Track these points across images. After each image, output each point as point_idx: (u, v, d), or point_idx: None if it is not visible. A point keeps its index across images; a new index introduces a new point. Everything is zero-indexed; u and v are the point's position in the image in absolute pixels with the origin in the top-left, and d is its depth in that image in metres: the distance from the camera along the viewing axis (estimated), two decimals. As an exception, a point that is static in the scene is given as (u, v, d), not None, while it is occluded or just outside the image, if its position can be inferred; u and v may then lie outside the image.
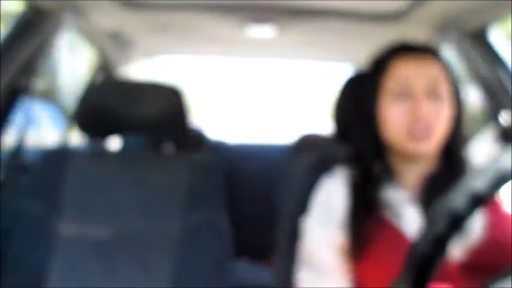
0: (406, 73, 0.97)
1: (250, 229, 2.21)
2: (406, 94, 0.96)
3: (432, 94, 0.95)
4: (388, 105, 0.98)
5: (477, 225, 0.95)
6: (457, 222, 0.50)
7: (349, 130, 1.16)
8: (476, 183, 0.49)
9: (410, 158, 0.98)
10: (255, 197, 2.36)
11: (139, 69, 2.68)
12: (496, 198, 1.00)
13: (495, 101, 1.62)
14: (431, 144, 0.96)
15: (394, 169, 1.01)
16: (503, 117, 1.60)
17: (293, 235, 1.08)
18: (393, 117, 0.97)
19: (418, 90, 0.95)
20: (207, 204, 1.27)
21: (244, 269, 2.17)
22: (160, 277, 1.20)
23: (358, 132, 1.04)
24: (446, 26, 1.67)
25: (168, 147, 1.42)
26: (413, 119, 0.94)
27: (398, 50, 1.01)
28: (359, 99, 1.04)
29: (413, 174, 1.01)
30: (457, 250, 0.93)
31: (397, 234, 0.95)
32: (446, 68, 0.99)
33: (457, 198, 0.50)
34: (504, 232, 0.96)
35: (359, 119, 1.03)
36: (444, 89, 0.97)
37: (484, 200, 0.50)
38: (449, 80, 0.99)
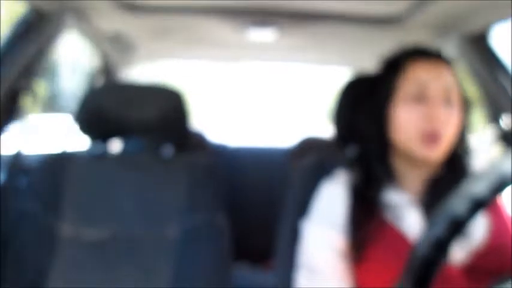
0: (423, 77, 0.97)
1: (250, 232, 2.20)
2: (422, 98, 0.96)
3: (446, 100, 0.96)
4: (403, 108, 0.98)
5: (480, 229, 0.96)
6: (457, 227, 0.50)
7: (351, 132, 1.16)
8: (476, 187, 0.49)
9: (417, 161, 0.98)
10: (255, 200, 2.36)
11: (141, 72, 2.68)
12: (498, 202, 1.00)
13: (495, 104, 1.62)
14: (441, 149, 0.96)
15: (397, 172, 1.01)
16: (504, 121, 1.60)
17: (293, 238, 1.08)
18: (408, 120, 0.97)
19: (435, 94, 0.96)
20: (207, 207, 1.27)
21: (244, 273, 2.17)
22: (160, 280, 1.20)
23: (364, 134, 1.04)
24: (446, 30, 1.67)
25: (169, 150, 1.42)
26: (428, 123, 0.94)
27: (414, 53, 1.01)
28: (367, 100, 1.04)
29: (416, 178, 1.01)
30: (460, 253, 0.93)
31: (398, 237, 0.95)
32: (457, 75, 1.00)
33: (458, 202, 0.50)
34: (507, 236, 0.97)
35: (367, 120, 1.03)
36: (456, 96, 0.98)
37: (484, 204, 0.50)
38: (459, 88, 0.99)
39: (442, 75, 0.98)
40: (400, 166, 1.01)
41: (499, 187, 0.49)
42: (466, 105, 1.00)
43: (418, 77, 0.97)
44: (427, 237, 0.52)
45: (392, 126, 0.99)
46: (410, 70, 0.99)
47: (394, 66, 1.02)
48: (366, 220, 0.97)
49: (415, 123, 0.96)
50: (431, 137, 0.94)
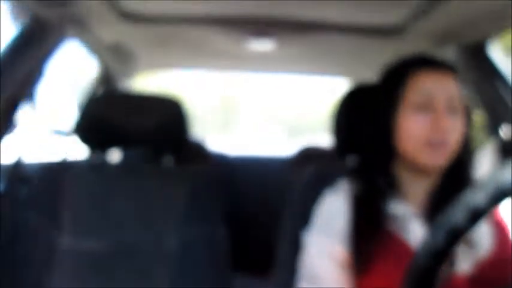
0: (428, 86, 0.97)
1: (250, 242, 2.20)
2: (427, 107, 0.96)
3: (451, 109, 0.96)
4: (409, 117, 0.97)
5: (486, 239, 0.96)
6: (456, 237, 0.51)
7: (351, 142, 1.16)
8: (476, 197, 0.50)
9: (420, 171, 0.98)
10: (255, 209, 2.36)
11: (140, 83, 2.69)
12: (498, 213, 1.00)
13: (495, 114, 1.62)
14: (445, 157, 0.96)
15: (400, 183, 1.01)
16: (503, 131, 1.60)
17: (294, 248, 1.08)
18: (413, 129, 0.96)
19: (440, 103, 0.96)
20: (207, 217, 1.27)
21: (244, 283, 2.16)
22: None
23: (367, 144, 1.04)
24: (446, 40, 1.67)
25: (168, 160, 1.42)
26: (434, 131, 0.95)
27: (418, 62, 1.01)
28: (370, 110, 1.04)
29: (419, 189, 1.01)
30: (466, 264, 0.93)
31: (402, 249, 0.95)
32: (460, 85, 1.00)
33: (457, 212, 0.50)
34: (509, 247, 0.96)
35: (370, 130, 1.03)
36: (460, 104, 0.98)
37: (483, 214, 0.50)
38: (462, 97, 0.99)
39: (447, 84, 0.98)
40: (403, 177, 1.01)
41: (498, 197, 0.49)
42: (467, 113, 1.00)
43: (423, 86, 0.98)
44: (426, 246, 0.53)
45: (397, 136, 0.99)
46: (415, 79, 0.99)
47: (398, 75, 1.02)
48: (369, 232, 0.96)
49: (422, 132, 0.95)
50: (438, 146, 0.94)
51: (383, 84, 1.05)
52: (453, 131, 0.96)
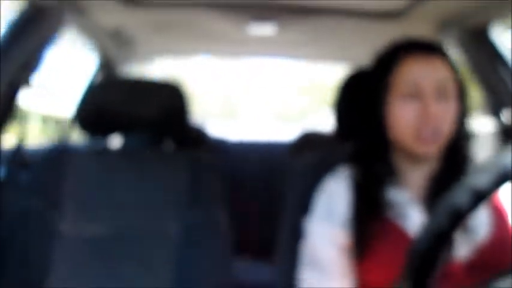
0: (415, 73, 0.95)
1: (250, 227, 2.21)
2: (415, 94, 0.94)
3: (441, 94, 0.94)
4: (397, 105, 0.96)
5: (484, 225, 0.95)
6: (458, 218, 0.50)
7: (351, 128, 1.16)
8: (479, 179, 0.49)
9: (416, 158, 0.97)
10: (256, 195, 2.36)
11: (141, 69, 2.68)
12: (496, 198, 1.00)
13: (496, 98, 1.62)
14: (437, 145, 0.95)
15: (398, 169, 1.00)
16: (504, 115, 1.60)
17: (295, 233, 1.08)
18: (401, 118, 0.95)
19: (427, 90, 0.94)
20: (208, 202, 1.27)
21: (245, 268, 2.17)
22: (160, 276, 1.20)
23: (362, 131, 1.03)
24: (448, 24, 1.66)
25: (169, 145, 1.42)
26: (422, 121, 0.93)
27: (406, 48, 0.99)
28: (364, 97, 1.03)
29: (417, 175, 1.00)
30: (464, 250, 0.93)
31: (401, 235, 0.95)
32: (454, 66, 0.98)
33: (460, 194, 0.50)
34: (508, 232, 0.96)
35: (364, 117, 1.02)
36: (452, 88, 0.96)
37: (486, 196, 0.49)
38: (456, 79, 0.97)
39: (435, 69, 0.95)
40: (400, 163, 1.00)
41: (501, 180, 0.49)
42: (464, 96, 0.99)
43: (410, 72, 0.95)
44: (428, 228, 0.52)
45: (388, 124, 0.98)
46: (402, 65, 0.97)
47: (387, 61, 1.00)
48: (369, 217, 0.96)
49: (410, 121, 0.94)
50: (426, 135, 0.93)
51: (373, 70, 1.03)
52: (443, 117, 0.94)
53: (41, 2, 1.42)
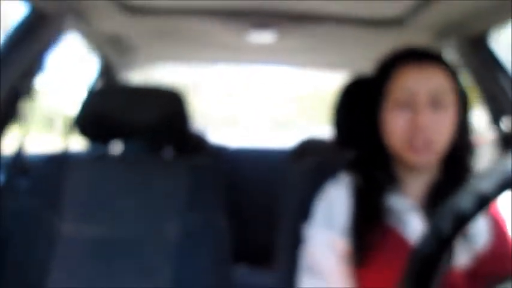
0: (409, 82, 0.95)
1: (250, 233, 2.20)
2: (408, 103, 0.94)
3: (435, 103, 0.93)
4: (391, 114, 0.96)
5: (483, 233, 0.95)
6: (462, 223, 0.50)
7: (350, 136, 1.16)
8: (483, 184, 0.49)
9: (413, 167, 0.97)
10: (255, 201, 2.36)
11: (141, 76, 2.68)
12: (494, 207, 1.00)
13: (496, 106, 1.62)
14: (431, 156, 0.94)
15: (398, 177, 1.00)
16: (504, 123, 1.60)
17: (294, 240, 1.08)
18: (394, 127, 0.95)
19: (420, 100, 0.93)
20: (207, 208, 1.27)
21: (244, 274, 2.17)
22: (159, 280, 1.20)
23: (361, 139, 1.03)
24: (447, 32, 1.67)
25: (169, 152, 1.42)
26: (414, 131, 0.93)
27: (403, 57, 0.99)
28: (362, 105, 1.03)
29: (417, 183, 1.00)
30: (463, 258, 0.93)
31: (401, 242, 0.95)
32: (452, 74, 0.97)
33: (464, 198, 0.50)
34: (507, 241, 0.96)
35: (362, 125, 1.02)
36: (448, 97, 0.95)
37: (490, 201, 0.49)
38: (455, 87, 0.96)
39: (430, 78, 0.95)
40: (400, 171, 1.00)
41: (506, 185, 0.49)
42: (464, 105, 0.98)
43: (405, 80, 0.95)
44: (431, 231, 0.52)
45: (383, 133, 0.98)
46: (398, 73, 0.96)
47: (385, 69, 1.00)
48: (369, 225, 0.96)
49: (402, 130, 0.94)
50: (417, 145, 0.92)
51: (372, 78, 1.03)
52: (436, 127, 0.93)
53: (43, 8, 1.43)
